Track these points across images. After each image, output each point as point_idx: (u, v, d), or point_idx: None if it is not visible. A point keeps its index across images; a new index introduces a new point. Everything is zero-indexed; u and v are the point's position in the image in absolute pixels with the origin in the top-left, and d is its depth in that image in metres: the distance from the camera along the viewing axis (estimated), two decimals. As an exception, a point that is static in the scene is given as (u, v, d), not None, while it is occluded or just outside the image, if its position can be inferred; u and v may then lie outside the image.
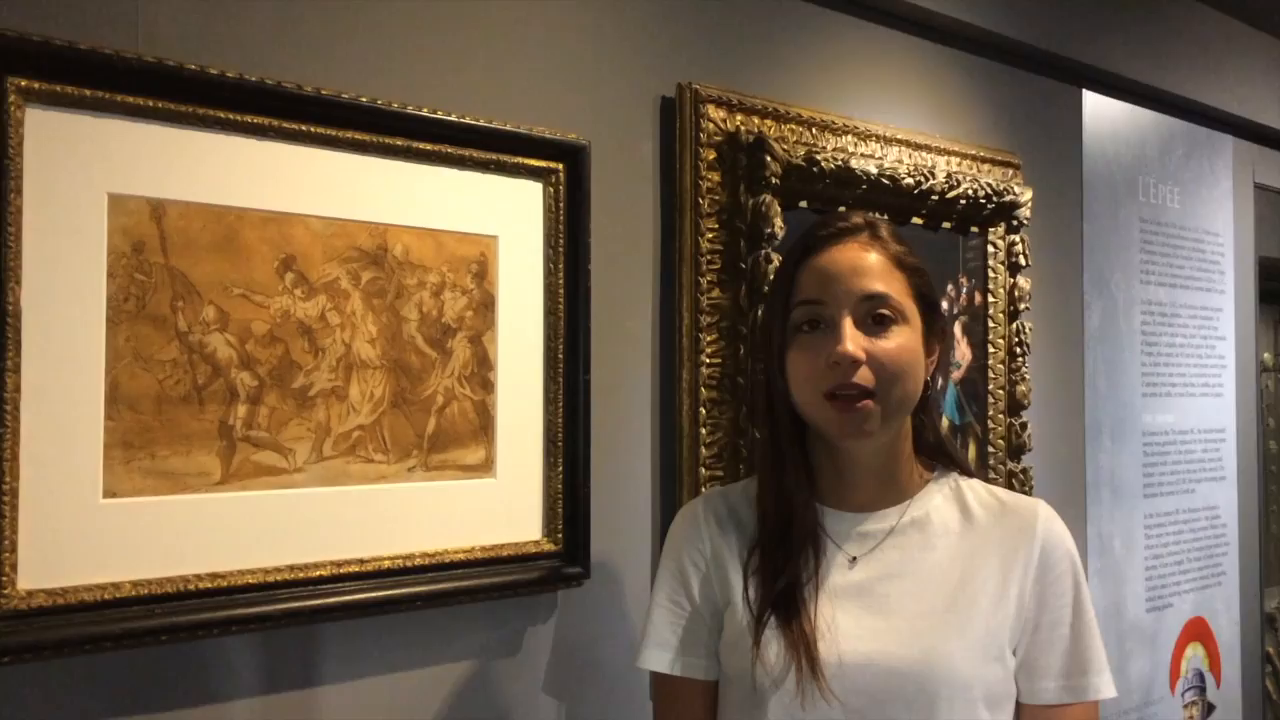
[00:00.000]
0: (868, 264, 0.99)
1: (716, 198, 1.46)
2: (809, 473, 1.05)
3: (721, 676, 1.06)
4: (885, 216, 1.66)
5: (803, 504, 1.02)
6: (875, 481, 1.05)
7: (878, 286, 0.98)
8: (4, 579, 0.97)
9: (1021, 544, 1.02)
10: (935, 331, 1.05)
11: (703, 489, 1.41)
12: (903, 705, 0.94)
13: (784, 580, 1.00)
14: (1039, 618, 1.01)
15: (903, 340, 0.98)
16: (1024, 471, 1.87)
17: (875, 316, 0.98)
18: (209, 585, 1.08)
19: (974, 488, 1.08)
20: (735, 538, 1.07)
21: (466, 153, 1.26)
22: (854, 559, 1.02)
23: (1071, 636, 1.01)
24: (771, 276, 1.40)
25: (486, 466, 1.29)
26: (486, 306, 1.29)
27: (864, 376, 0.96)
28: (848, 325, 0.97)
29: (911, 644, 0.96)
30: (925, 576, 1.00)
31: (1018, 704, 1.01)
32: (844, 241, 1.01)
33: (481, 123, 1.26)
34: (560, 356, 1.33)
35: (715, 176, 1.46)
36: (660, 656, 1.05)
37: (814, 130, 1.58)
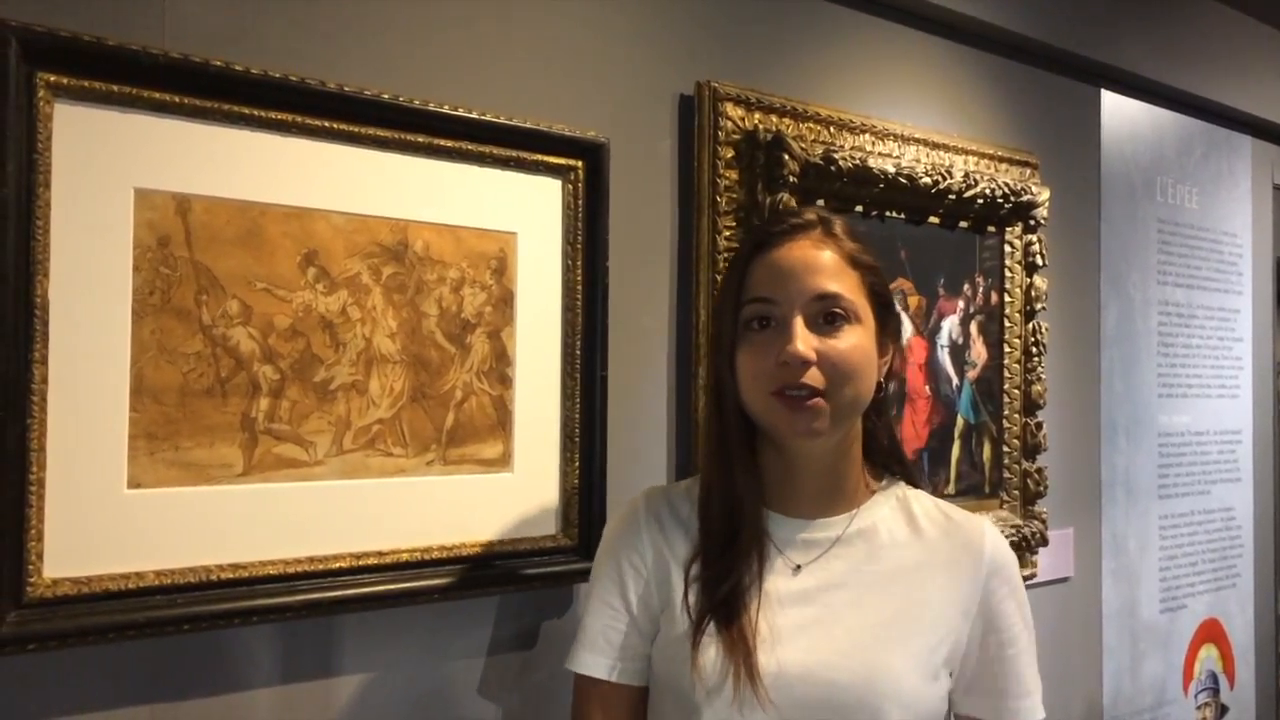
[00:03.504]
0: (820, 262, 0.97)
1: (734, 196, 1.47)
2: (757, 476, 1.02)
3: (653, 683, 1.03)
4: (901, 215, 1.67)
5: (752, 508, 1.00)
6: (822, 487, 1.02)
7: (830, 285, 0.96)
8: (30, 567, 0.99)
9: (968, 562, 1.00)
10: (889, 332, 1.02)
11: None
12: (840, 719, 0.92)
13: (726, 586, 0.96)
14: (983, 637, 1.00)
15: (855, 340, 0.96)
16: (1039, 471, 1.87)
17: (827, 316, 0.96)
18: (230, 576, 1.09)
19: (921, 500, 1.06)
20: (677, 539, 1.04)
21: (486, 149, 1.27)
22: (798, 567, 1.00)
23: (1013, 658, 1.00)
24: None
25: (504, 461, 1.30)
26: (505, 302, 1.30)
27: (814, 377, 0.94)
28: (799, 325, 0.95)
29: (853, 656, 0.94)
30: (870, 588, 0.98)
31: None
32: (796, 238, 0.99)
33: (502, 120, 1.27)
34: (578, 352, 1.34)
35: (733, 174, 1.47)
36: (592, 660, 1.03)
37: (832, 129, 1.58)
